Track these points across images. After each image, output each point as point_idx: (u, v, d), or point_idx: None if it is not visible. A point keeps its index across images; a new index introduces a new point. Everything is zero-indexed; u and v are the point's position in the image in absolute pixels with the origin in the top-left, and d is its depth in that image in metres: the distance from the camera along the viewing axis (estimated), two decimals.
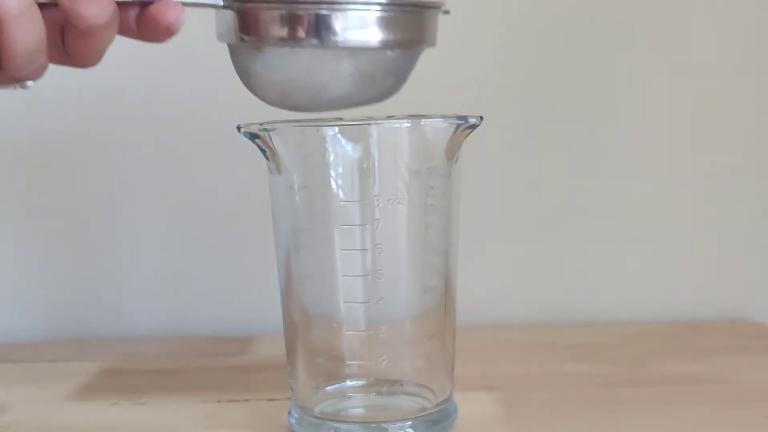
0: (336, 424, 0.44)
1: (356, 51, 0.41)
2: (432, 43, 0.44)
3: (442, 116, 0.44)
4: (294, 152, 0.44)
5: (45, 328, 0.68)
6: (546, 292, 0.68)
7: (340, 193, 0.44)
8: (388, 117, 0.42)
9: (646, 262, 0.68)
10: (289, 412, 0.47)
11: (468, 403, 0.48)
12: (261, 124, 0.43)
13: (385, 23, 0.41)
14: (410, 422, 0.44)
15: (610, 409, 0.49)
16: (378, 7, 0.41)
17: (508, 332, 0.65)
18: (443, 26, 0.64)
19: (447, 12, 0.44)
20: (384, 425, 0.44)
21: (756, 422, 0.47)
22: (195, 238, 0.68)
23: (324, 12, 0.40)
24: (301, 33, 0.40)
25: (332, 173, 0.44)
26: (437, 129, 0.43)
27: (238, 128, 0.43)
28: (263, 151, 0.44)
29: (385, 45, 0.41)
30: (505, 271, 0.68)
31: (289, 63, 0.41)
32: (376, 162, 0.43)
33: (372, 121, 0.42)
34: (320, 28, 0.40)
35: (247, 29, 0.41)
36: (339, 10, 0.40)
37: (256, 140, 0.43)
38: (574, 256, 0.68)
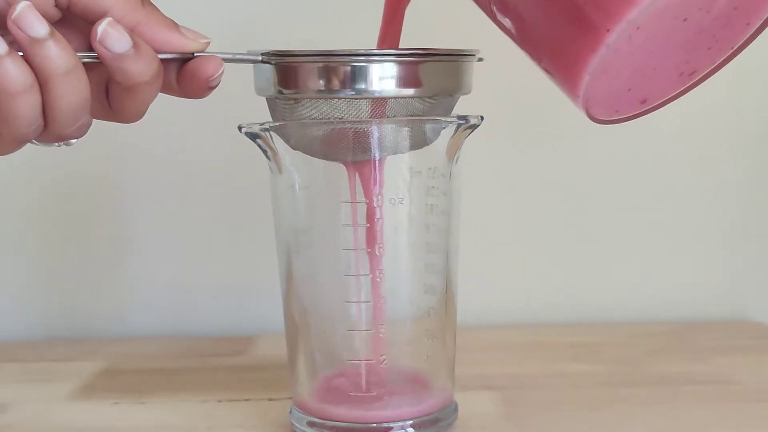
0: (337, 424, 0.44)
1: (393, 100, 0.42)
2: (467, 91, 0.44)
3: (443, 116, 0.44)
4: (295, 152, 0.44)
5: (45, 328, 0.68)
6: (546, 292, 0.68)
7: (341, 192, 0.44)
8: (389, 117, 0.42)
9: (646, 262, 0.69)
10: (290, 412, 0.47)
11: (468, 403, 0.48)
12: (262, 124, 0.43)
13: (421, 73, 0.41)
14: (411, 422, 0.44)
15: (610, 409, 0.49)
16: (413, 58, 0.41)
17: (508, 332, 0.65)
18: (439, 23, 0.64)
19: (481, 59, 0.44)
20: (385, 425, 0.44)
21: (756, 422, 0.47)
22: (195, 237, 0.68)
23: (360, 64, 0.40)
24: (338, 84, 0.41)
25: (333, 173, 0.44)
26: (438, 129, 0.43)
27: (240, 128, 0.43)
28: (264, 151, 0.44)
29: (421, 94, 0.42)
30: (505, 271, 0.68)
31: (327, 114, 0.42)
32: (377, 162, 0.43)
33: (372, 121, 0.42)
34: (357, 80, 0.41)
35: (285, 83, 0.42)
36: (375, 61, 0.41)
37: (258, 140, 0.44)
38: (574, 256, 0.68)
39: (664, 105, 0.39)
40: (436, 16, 0.65)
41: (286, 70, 0.42)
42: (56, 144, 0.39)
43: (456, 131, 0.43)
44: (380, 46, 0.44)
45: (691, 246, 0.69)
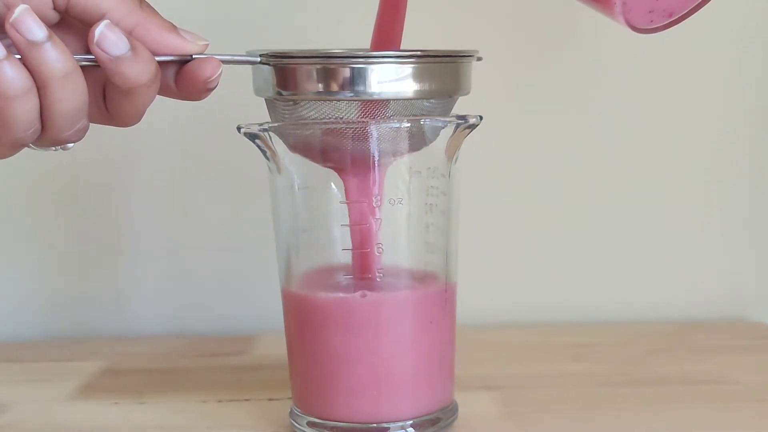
0: (337, 424, 0.44)
1: (392, 102, 0.41)
2: (467, 91, 0.44)
3: (442, 116, 0.44)
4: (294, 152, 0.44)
5: (45, 328, 0.68)
6: (546, 292, 0.68)
7: (340, 193, 0.44)
8: (388, 117, 0.42)
9: (646, 262, 0.68)
10: (290, 412, 0.47)
11: (468, 403, 0.48)
12: (261, 125, 0.43)
13: (420, 74, 0.41)
14: (411, 422, 0.44)
15: (610, 408, 0.49)
16: (412, 60, 0.41)
17: (508, 332, 0.65)
18: (438, 23, 0.64)
19: (480, 59, 0.44)
20: (385, 425, 0.44)
21: (756, 422, 0.47)
22: (195, 238, 0.68)
23: (359, 65, 0.40)
24: (337, 86, 0.41)
25: (332, 173, 0.44)
26: (437, 129, 0.43)
27: (239, 128, 0.43)
28: (263, 152, 0.44)
29: (420, 95, 0.42)
30: (505, 271, 0.68)
31: (326, 115, 0.42)
32: (376, 162, 0.43)
33: (372, 121, 0.42)
34: (356, 81, 0.40)
35: (284, 84, 0.42)
36: (374, 63, 0.40)
37: (257, 140, 0.44)
38: (574, 256, 0.68)
39: (688, 17, 0.41)
40: (434, 16, 0.65)
41: (284, 71, 0.42)
42: (53, 148, 0.38)
43: (455, 131, 0.43)
44: (380, 47, 0.44)
45: (691, 246, 0.69)
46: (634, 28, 0.40)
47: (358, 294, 0.43)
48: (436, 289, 0.45)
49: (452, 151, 0.44)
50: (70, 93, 0.35)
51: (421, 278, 0.45)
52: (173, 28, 0.38)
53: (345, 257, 0.44)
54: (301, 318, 0.44)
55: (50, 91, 0.35)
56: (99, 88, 0.38)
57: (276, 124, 0.43)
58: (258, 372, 0.57)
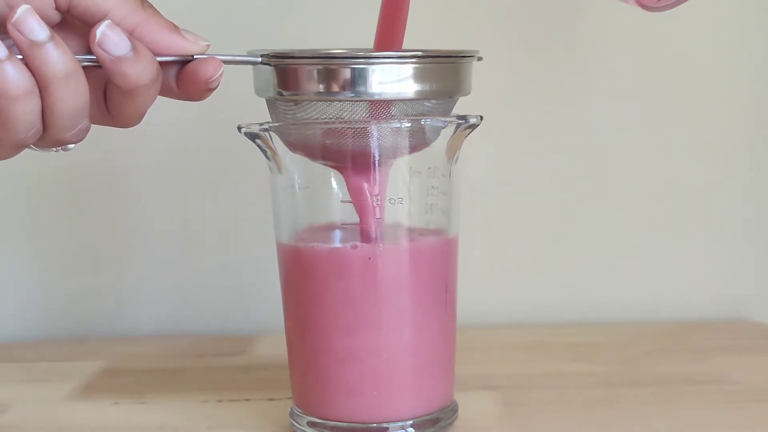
0: (337, 423, 0.44)
1: (392, 103, 0.42)
2: (467, 92, 0.44)
3: (442, 116, 0.44)
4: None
5: (45, 328, 0.68)
6: (546, 292, 0.68)
7: (341, 192, 0.44)
8: (389, 117, 0.42)
9: (646, 262, 0.69)
10: (290, 412, 0.47)
11: (468, 403, 0.48)
12: (261, 124, 0.43)
13: (421, 75, 0.41)
14: (411, 422, 0.44)
15: (610, 409, 0.49)
16: (413, 60, 0.41)
17: (508, 332, 0.65)
18: (438, 23, 0.64)
19: (480, 59, 0.44)
20: (385, 425, 0.44)
21: (756, 422, 0.47)
22: (195, 238, 0.68)
23: (360, 66, 0.40)
24: (337, 87, 0.41)
25: (333, 173, 0.44)
26: (437, 129, 0.43)
27: (239, 128, 0.43)
28: (264, 151, 0.44)
29: (421, 96, 0.42)
30: (505, 271, 0.68)
31: (326, 116, 0.42)
32: (376, 162, 0.43)
33: (372, 121, 0.42)
34: (356, 82, 0.41)
35: (285, 84, 0.42)
36: (375, 63, 0.41)
37: (257, 140, 0.44)
38: (574, 256, 0.68)
39: None
40: (435, 16, 0.65)
41: (285, 71, 0.42)
42: (54, 149, 0.38)
43: (455, 131, 0.43)
44: (384, 47, 0.44)
45: (691, 246, 0.69)
46: (644, 7, 0.40)
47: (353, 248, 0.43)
48: (436, 288, 0.44)
49: (453, 151, 0.44)
50: (72, 93, 0.35)
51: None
52: (175, 28, 0.38)
53: None
54: (301, 280, 0.44)
55: (52, 91, 0.35)
56: (100, 89, 0.38)
57: (277, 124, 0.43)
58: (258, 372, 0.57)
